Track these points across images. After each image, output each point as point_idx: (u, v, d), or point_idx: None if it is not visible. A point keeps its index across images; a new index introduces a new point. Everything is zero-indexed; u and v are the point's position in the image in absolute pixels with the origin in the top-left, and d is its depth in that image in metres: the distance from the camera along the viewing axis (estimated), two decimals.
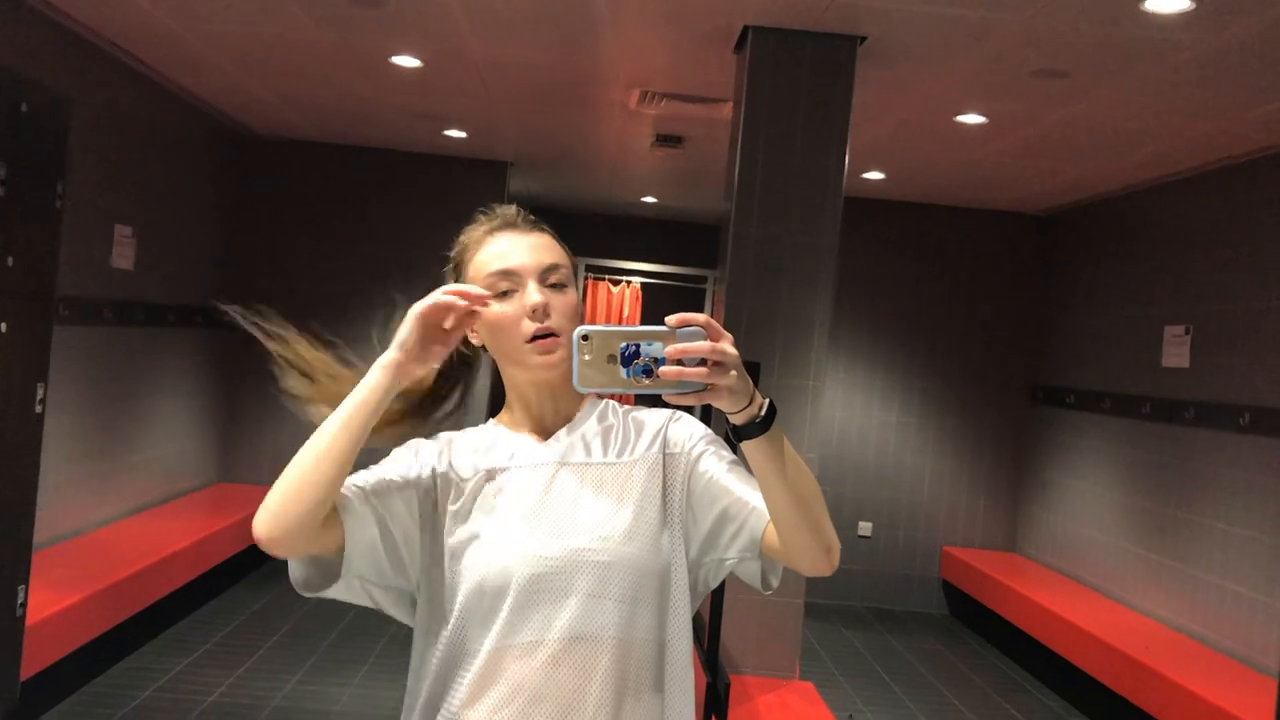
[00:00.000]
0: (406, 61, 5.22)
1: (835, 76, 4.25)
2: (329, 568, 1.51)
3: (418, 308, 1.46)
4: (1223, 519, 5.36)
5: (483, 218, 1.66)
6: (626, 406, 1.67)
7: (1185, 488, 5.72)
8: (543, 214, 1.70)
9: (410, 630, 1.60)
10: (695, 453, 1.59)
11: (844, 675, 6.17)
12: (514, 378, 1.62)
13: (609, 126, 6.32)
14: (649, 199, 8.83)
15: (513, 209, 1.65)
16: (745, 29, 4.25)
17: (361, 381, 1.47)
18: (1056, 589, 6.59)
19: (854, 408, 7.91)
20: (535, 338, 1.54)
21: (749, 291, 4.23)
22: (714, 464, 1.57)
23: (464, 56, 5.06)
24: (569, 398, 1.61)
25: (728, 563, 1.58)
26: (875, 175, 7.02)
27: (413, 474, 1.56)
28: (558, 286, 1.57)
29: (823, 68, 4.24)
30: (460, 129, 6.83)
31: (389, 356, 1.46)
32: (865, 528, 7.92)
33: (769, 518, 1.47)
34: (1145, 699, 5.02)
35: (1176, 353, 5.89)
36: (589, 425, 1.62)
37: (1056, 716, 5.82)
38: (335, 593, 1.51)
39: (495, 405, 1.71)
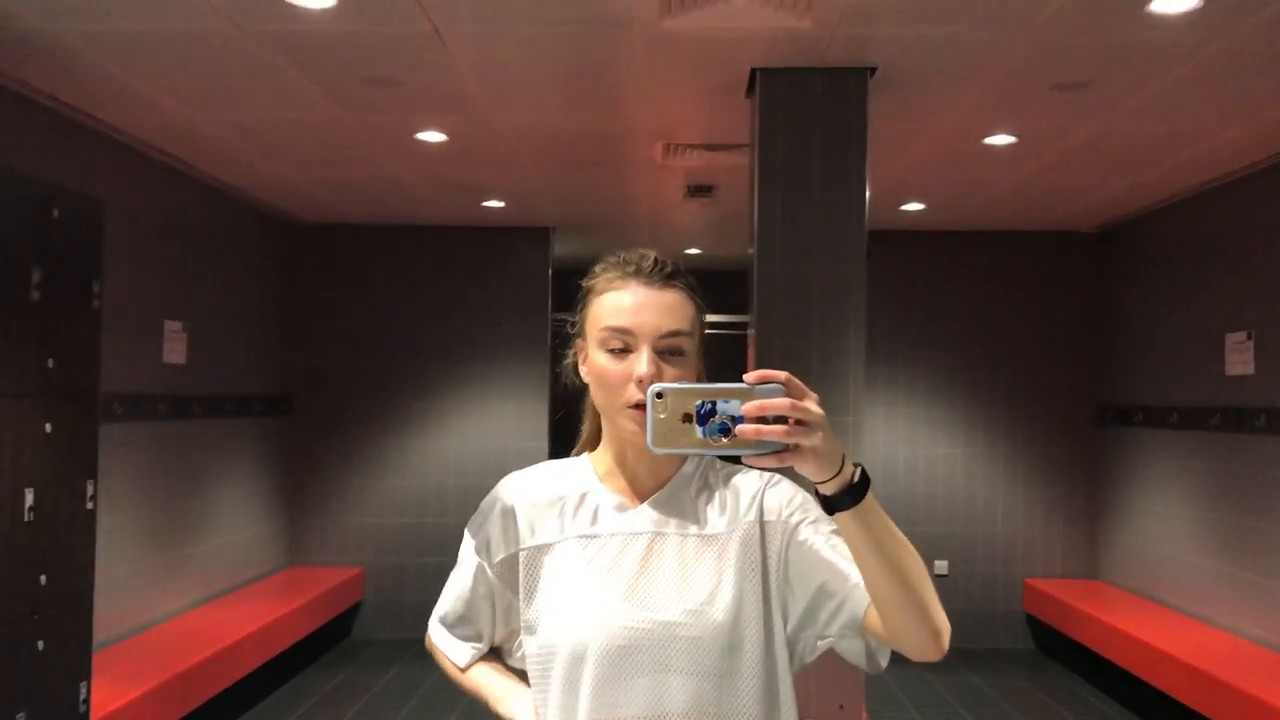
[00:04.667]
0: (432, 137, 5.31)
1: (848, 110, 4.21)
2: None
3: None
4: None
5: (622, 256, 1.55)
6: (726, 466, 1.58)
7: (1261, 497, 5.50)
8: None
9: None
10: (793, 521, 1.50)
11: None
12: (611, 429, 1.55)
13: (641, 182, 6.35)
14: (693, 250, 8.84)
15: (651, 257, 1.54)
16: (753, 72, 4.25)
17: (503, 696, 1.59)
18: (1141, 614, 6.35)
19: (918, 443, 7.75)
20: (638, 405, 1.44)
21: (778, 331, 4.19)
22: (812, 534, 1.48)
23: (488, 127, 5.13)
24: (667, 457, 1.53)
25: (827, 640, 1.49)
26: (915, 206, 6.94)
27: (483, 587, 1.61)
28: (674, 354, 1.48)
29: (834, 103, 4.21)
30: (498, 199, 6.91)
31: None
32: (941, 566, 7.72)
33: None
34: None
35: (1241, 359, 5.70)
36: (686, 490, 1.54)
37: None
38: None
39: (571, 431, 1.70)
